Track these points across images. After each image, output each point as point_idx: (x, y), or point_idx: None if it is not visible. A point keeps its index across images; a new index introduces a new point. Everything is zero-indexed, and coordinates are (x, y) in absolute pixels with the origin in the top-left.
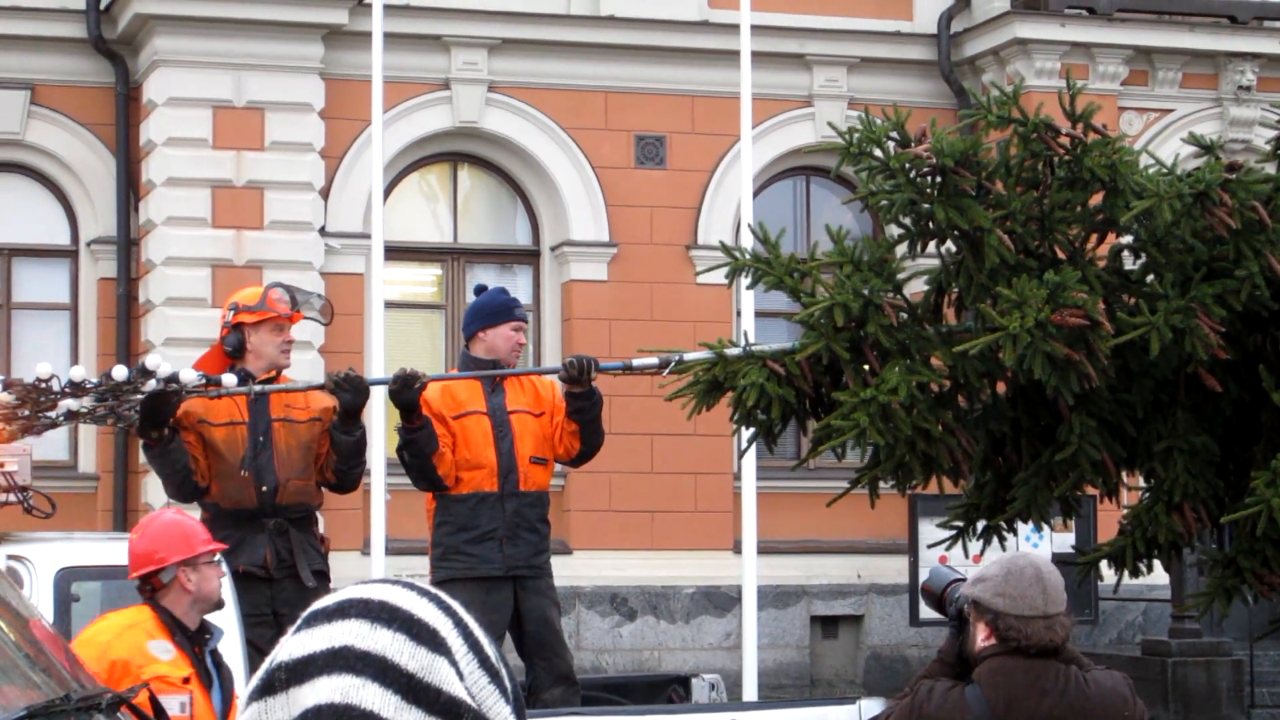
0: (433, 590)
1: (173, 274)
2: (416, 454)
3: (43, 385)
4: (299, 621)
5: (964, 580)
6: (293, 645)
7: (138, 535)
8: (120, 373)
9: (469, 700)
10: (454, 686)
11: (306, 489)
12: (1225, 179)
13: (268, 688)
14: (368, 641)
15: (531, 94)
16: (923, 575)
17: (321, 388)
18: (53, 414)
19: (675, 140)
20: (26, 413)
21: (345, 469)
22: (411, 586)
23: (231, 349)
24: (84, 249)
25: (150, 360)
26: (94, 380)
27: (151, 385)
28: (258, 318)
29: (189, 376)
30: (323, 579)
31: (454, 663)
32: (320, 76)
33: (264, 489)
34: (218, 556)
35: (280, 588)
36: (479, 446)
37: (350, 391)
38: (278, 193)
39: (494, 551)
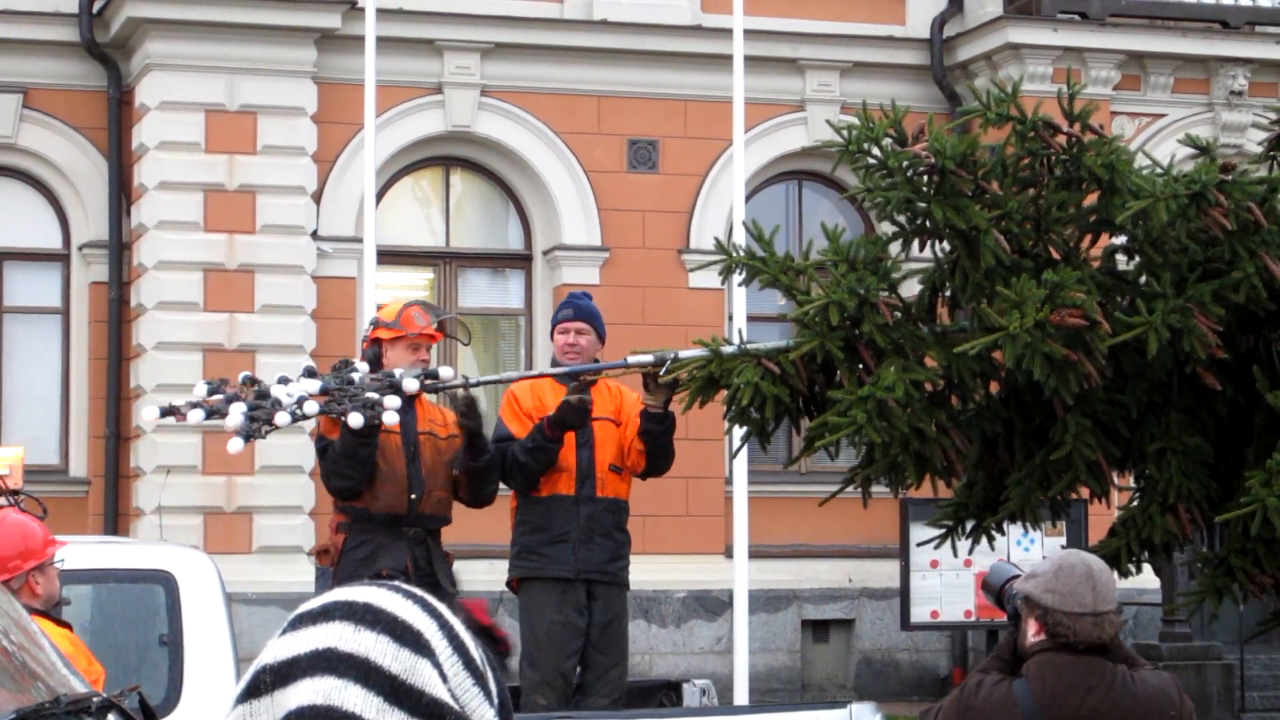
0: (418, 592)
1: (165, 278)
2: (545, 461)
3: (345, 372)
4: (285, 624)
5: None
6: (278, 648)
7: None
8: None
9: (452, 702)
10: (437, 688)
11: (445, 501)
12: (1221, 180)
13: (253, 690)
14: (351, 644)
15: (524, 98)
16: (914, 579)
17: (539, 376)
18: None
19: (668, 144)
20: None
21: (478, 491)
22: (397, 589)
23: (368, 362)
24: (76, 253)
25: (444, 371)
26: (327, 379)
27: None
28: (394, 335)
29: (446, 373)
30: (454, 589)
31: (437, 665)
32: (313, 80)
33: (413, 497)
34: (59, 556)
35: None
36: (561, 452)
37: (476, 417)
38: (270, 197)
39: (567, 554)
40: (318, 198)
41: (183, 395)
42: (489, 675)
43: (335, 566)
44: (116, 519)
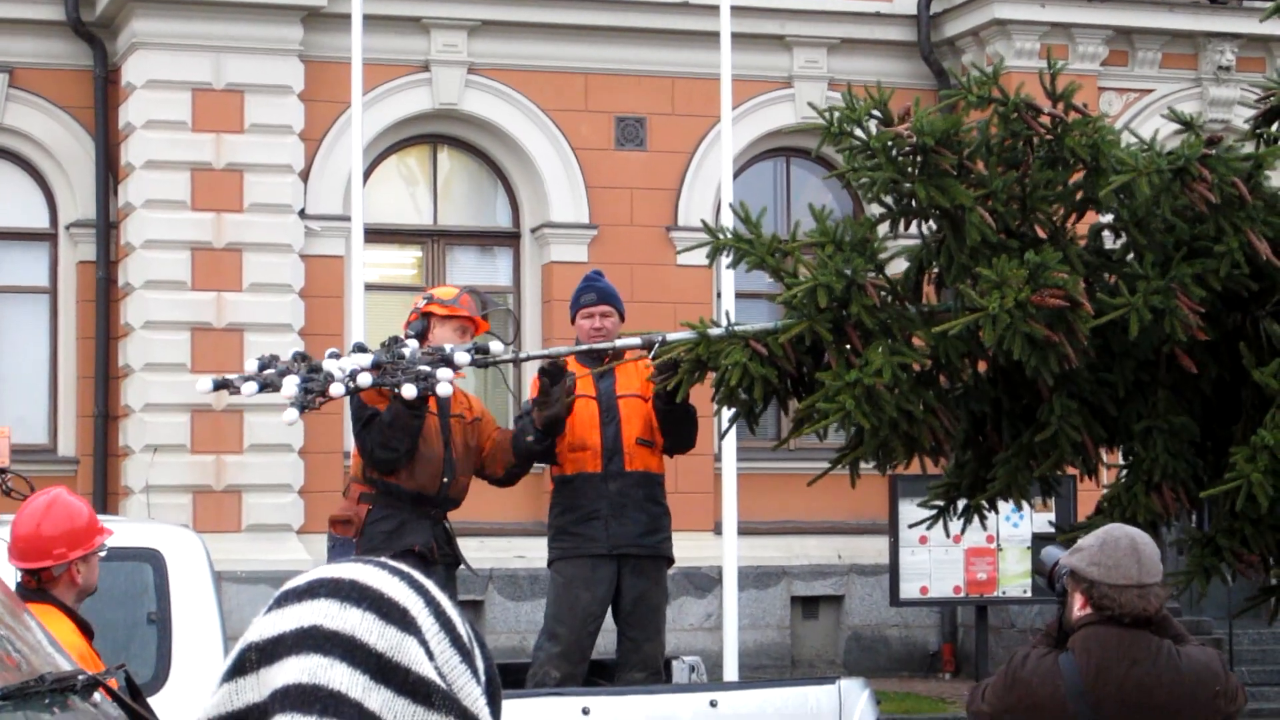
0: (404, 569)
1: (152, 257)
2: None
3: (396, 348)
4: (271, 602)
5: None
6: (264, 625)
7: (31, 522)
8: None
9: (438, 680)
10: (423, 666)
11: (467, 486)
12: (1205, 154)
13: (239, 668)
14: (336, 621)
15: (511, 76)
16: (903, 555)
17: (592, 350)
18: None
19: (655, 122)
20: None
21: (518, 470)
22: (383, 565)
23: (415, 334)
24: (63, 232)
25: (494, 346)
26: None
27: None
28: (449, 312)
29: (497, 348)
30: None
31: (424, 642)
32: (300, 59)
33: (445, 480)
34: (104, 545)
35: (433, 572)
36: (584, 430)
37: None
38: (257, 175)
39: (599, 530)
40: (305, 176)
41: (172, 374)
42: (476, 652)
43: (359, 537)
44: (106, 498)
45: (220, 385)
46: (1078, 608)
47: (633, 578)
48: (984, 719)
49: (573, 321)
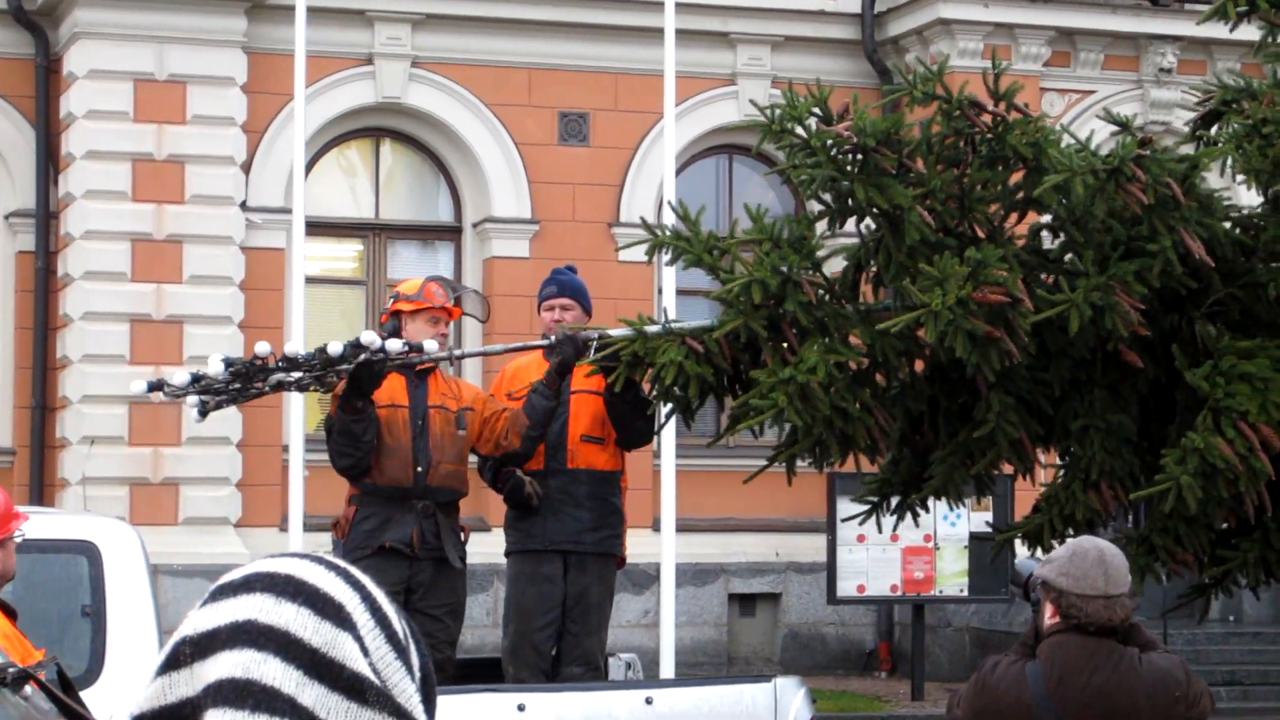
0: (341, 564)
1: (92, 247)
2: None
3: (259, 363)
4: (206, 595)
5: None
6: (198, 619)
7: None
8: (335, 348)
9: (373, 677)
10: (357, 662)
11: (457, 474)
12: (1139, 155)
13: (173, 662)
14: (271, 616)
15: (455, 70)
16: (841, 553)
17: (526, 348)
18: (262, 386)
19: (598, 117)
20: (237, 386)
21: (533, 435)
22: (320, 560)
23: (388, 335)
24: (2, 221)
25: (365, 337)
26: (306, 354)
27: (362, 358)
28: (415, 307)
29: (394, 346)
30: (463, 564)
31: (359, 638)
32: (242, 50)
33: (419, 469)
34: (19, 531)
35: (419, 568)
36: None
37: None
38: (199, 167)
39: (538, 526)
40: (247, 168)
41: (111, 366)
42: (412, 649)
43: (345, 538)
44: (42, 489)
45: (154, 387)
46: (1048, 616)
47: (575, 573)
48: None
49: (539, 313)
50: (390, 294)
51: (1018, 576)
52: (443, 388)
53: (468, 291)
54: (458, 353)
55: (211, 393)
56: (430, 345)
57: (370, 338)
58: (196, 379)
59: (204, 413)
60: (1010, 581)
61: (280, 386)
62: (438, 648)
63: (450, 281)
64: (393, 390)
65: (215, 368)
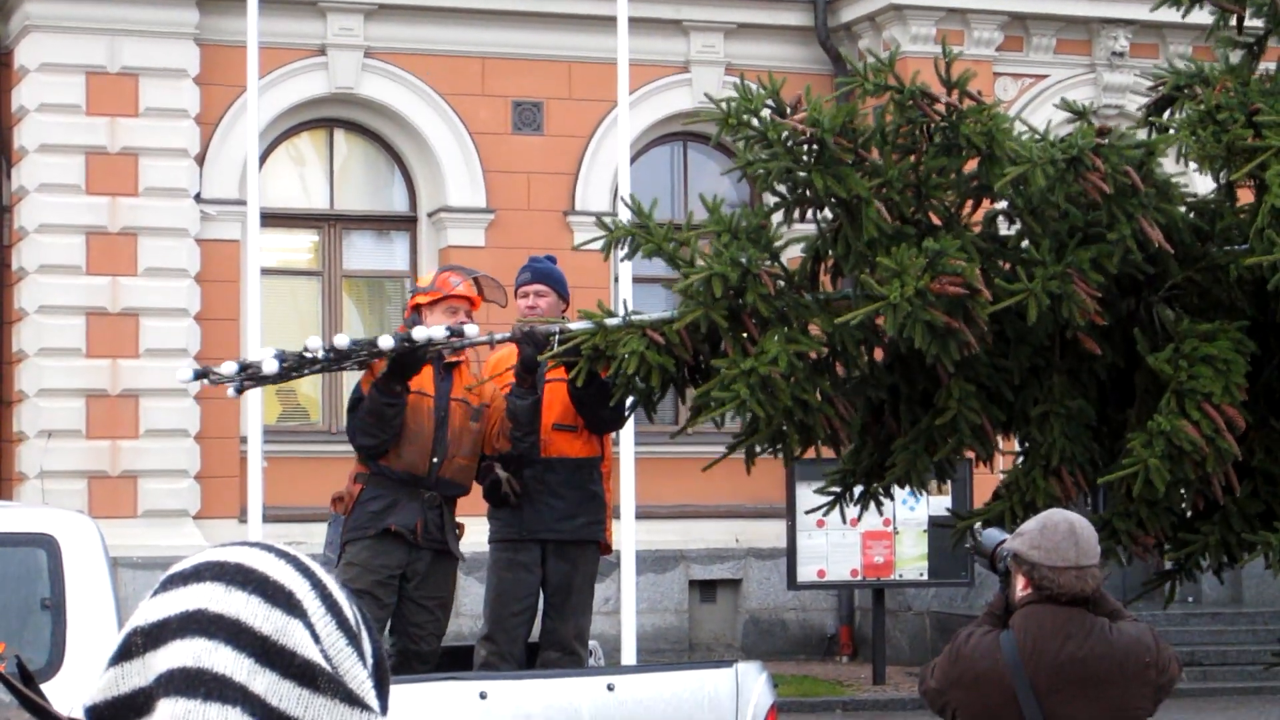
0: (291, 552)
1: (46, 241)
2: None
3: (309, 355)
4: (157, 585)
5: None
6: (149, 609)
7: None
8: (387, 342)
9: (324, 663)
10: (309, 649)
11: (467, 469)
12: (1097, 144)
13: (125, 653)
14: (221, 604)
15: (408, 60)
16: (800, 539)
17: (491, 342)
18: (306, 371)
19: (552, 106)
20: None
21: (519, 436)
22: (270, 548)
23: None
24: None
25: (418, 332)
26: (354, 344)
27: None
28: (431, 298)
29: (439, 334)
30: (462, 558)
31: (309, 625)
32: (195, 42)
33: (435, 460)
34: None
35: (418, 555)
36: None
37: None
38: (152, 159)
39: (515, 516)
40: (201, 160)
41: (67, 359)
42: (363, 635)
43: (348, 515)
44: (0, 483)
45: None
46: (1020, 588)
47: (554, 561)
48: (932, 695)
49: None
50: (409, 289)
51: (983, 548)
52: (468, 382)
53: (486, 279)
54: (498, 337)
55: (256, 380)
56: (471, 330)
57: (422, 333)
58: (244, 368)
59: (240, 389)
60: (974, 552)
61: (322, 371)
62: (425, 639)
63: (466, 269)
64: (420, 379)
65: (270, 366)
